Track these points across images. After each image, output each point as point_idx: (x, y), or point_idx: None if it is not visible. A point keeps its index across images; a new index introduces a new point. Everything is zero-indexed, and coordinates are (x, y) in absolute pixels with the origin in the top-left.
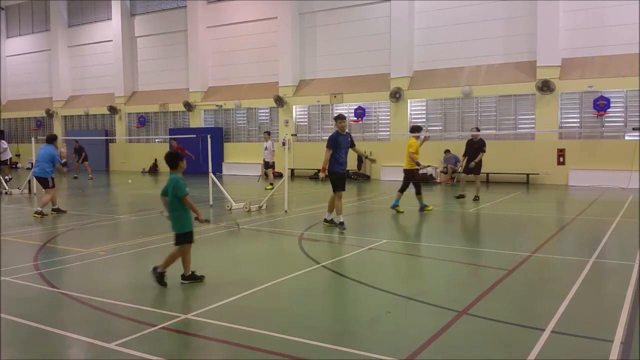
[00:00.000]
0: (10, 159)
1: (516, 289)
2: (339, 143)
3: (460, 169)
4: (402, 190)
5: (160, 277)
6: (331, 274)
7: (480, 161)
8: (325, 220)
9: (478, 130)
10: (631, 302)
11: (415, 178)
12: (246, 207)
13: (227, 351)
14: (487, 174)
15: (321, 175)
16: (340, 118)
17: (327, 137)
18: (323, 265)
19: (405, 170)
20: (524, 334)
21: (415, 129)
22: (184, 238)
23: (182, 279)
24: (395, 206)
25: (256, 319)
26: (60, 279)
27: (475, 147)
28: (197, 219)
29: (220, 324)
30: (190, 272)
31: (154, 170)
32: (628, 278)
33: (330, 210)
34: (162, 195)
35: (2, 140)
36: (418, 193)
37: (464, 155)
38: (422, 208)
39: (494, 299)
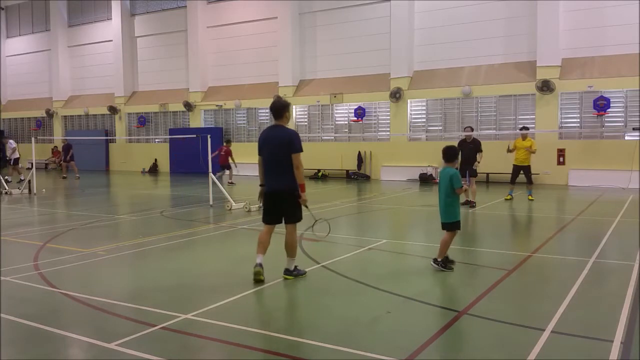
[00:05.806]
0: (17, 159)
1: (516, 289)
2: (260, 142)
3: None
4: (513, 182)
5: (443, 263)
6: (331, 274)
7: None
8: (288, 272)
9: (472, 129)
10: (631, 302)
11: (530, 171)
12: (246, 207)
13: (227, 351)
14: (487, 174)
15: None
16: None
17: (325, 138)
18: (323, 265)
19: (525, 167)
20: (524, 334)
21: (525, 128)
22: (453, 226)
23: (433, 262)
24: (528, 194)
25: (256, 319)
26: (60, 279)
27: (470, 148)
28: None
29: (220, 324)
30: (446, 256)
31: (154, 170)
32: (628, 278)
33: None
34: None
35: (11, 140)
36: (530, 182)
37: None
38: (531, 193)
39: (494, 299)
